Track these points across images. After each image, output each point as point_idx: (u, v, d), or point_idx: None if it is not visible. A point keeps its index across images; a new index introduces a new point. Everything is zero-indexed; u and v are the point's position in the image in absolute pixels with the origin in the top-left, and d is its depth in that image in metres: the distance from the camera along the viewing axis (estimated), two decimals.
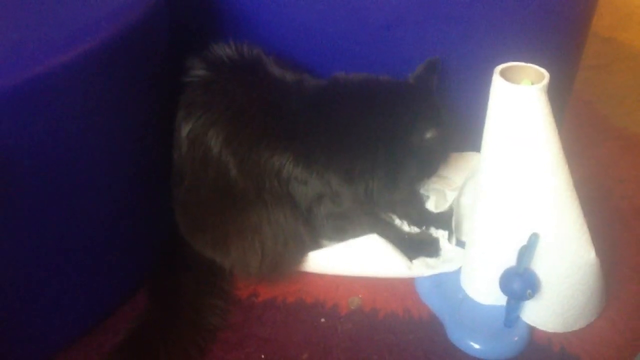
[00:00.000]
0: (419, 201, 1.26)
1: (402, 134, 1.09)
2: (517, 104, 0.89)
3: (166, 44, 1.07)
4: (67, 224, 0.93)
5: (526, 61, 0.94)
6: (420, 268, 1.15)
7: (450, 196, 1.26)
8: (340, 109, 1.11)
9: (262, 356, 1.03)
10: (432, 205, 1.26)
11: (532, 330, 1.05)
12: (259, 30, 1.19)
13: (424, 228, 1.24)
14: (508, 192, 0.97)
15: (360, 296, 1.14)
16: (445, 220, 1.23)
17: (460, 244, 1.19)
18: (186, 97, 1.09)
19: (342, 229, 1.17)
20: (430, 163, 1.15)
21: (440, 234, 1.22)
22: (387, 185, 1.13)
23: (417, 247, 1.19)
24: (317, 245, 1.17)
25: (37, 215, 0.88)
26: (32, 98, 0.80)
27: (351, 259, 1.16)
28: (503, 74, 0.92)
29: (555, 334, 1.05)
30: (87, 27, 0.88)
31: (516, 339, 1.03)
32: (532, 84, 0.91)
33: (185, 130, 1.09)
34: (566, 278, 0.99)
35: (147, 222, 1.13)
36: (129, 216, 1.06)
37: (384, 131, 1.09)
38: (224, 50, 1.12)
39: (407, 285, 1.15)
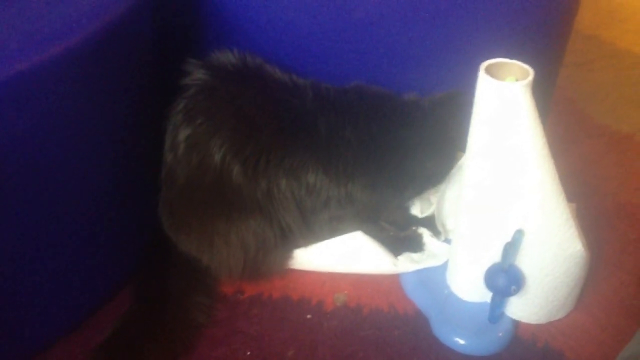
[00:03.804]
0: (405, 208, 1.27)
1: (411, 157, 1.14)
2: (503, 100, 0.90)
3: (150, 41, 1.06)
4: (52, 220, 0.93)
5: (510, 58, 0.95)
6: (405, 264, 1.15)
7: (435, 201, 1.26)
8: (366, 118, 1.12)
9: (248, 352, 1.03)
10: (418, 210, 1.26)
11: (516, 325, 1.06)
12: (243, 29, 1.18)
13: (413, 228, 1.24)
14: (493, 188, 0.97)
15: (345, 292, 1.14)
16: (431, 223, 1.24)
17: (447, 241, 1.19)
18: (187, 101, 1.08)
19: (337, 229, 1.17)
20: (432, 181, 1.21)
21: (424, 230, 1.22)
22: (397, 195, 1.19)
23: (401, 243, 1.20)
24: (307, 245, 1.17)
25: (21, 213, 0.87)
26: (15, 95, 0.79)
27: (336, 255, 1.16)
28: (488, 70, 0.93)
29: (539, 329, 1.06)
30: (70, 23, 0.87)
31: (501, 334, 1.04)
32: (517, 80, 0.91)
33: (183, 134, 1.07)
34: (551, 271, 1.00)
35: (133, 219, 1.12)
36: (115, 213, 1.05)
37: (399, 149, 1.13)
38: (228, 57, 1.11)
39: (392, 282, 1.16)
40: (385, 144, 1.12)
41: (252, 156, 1.07)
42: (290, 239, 1.14)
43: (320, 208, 1.13)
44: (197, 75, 1.09)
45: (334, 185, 1.11)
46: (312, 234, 1.16)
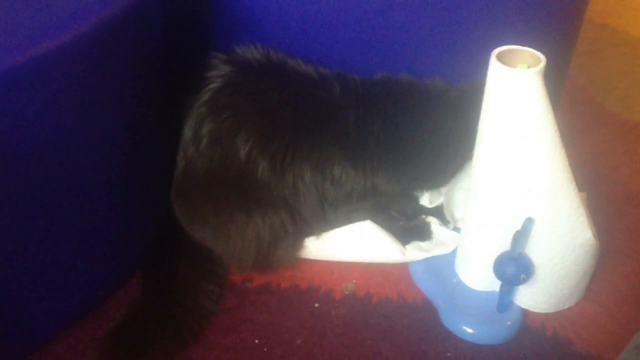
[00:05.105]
0: (414, 198, 1.27)
1: (438, 148, 1.15)
2: (514, 88, 0.89)
3: (159, 30, 1.06)
4: (61, 209, 0.93)
5: (521, 46, 0.94)
6: (414, 252, 1.15)
7: (444, 191, 1.26)
8: (394, 111, 1.12)
9: (256, 341, 1.03)
10: (427, 201, 1.26)
11: (525, 314, 1.06)
12: (253, 19, 1.17)
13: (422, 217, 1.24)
14: (504, 176, 0.97)
15: (354, 281, 1.14)
16: (439, 212, 1.24)
17: (455, 229, 1.19)
18: (211, 94, 1.08)
19: (350, 219, 1.17)
20: (456, 171, 1.20)
21: (432, 218, 1.22)
22: (422, 186, 1.22)
23: (409, 231, 1.19)
24: (318, 234, 1.17)
25: (30, 202, 0.87)
26: (23, 83, 0.79)
27: (345, 244, 1.16)
28: (500, 57, 0.92)
29: (548, 318, 1.06)
30: (79, 11, 0.87)
31: (509, 323, 1.04)
32: (529, 67, 0.90)
33: (207, 127, 1.07)
34: (561, 260, 0.99)
35: (142, 207, 1.12)
36: (124, 201, 1.06)
37: (427, 141, 1.14)
38: (251, 52, 1.12)
39: (400, 270, 1.16)
40: (412, 136, 1.12)
41: (278, 152, 1.07)
42: (304, 230, 1.14)
43: (342, 200, 1.14)
44: (222, 69, 1.09)
45: (360, 178, 1.12)
46: (325, 223, 1.16)
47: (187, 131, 1.10)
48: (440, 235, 1.18)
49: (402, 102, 1.13)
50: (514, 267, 0.99)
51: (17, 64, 0.78)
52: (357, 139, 1.10)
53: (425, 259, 1.14)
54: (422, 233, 1.19)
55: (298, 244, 1.16)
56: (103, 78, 0.91)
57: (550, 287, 1.03)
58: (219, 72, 1.09)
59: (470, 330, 1.03)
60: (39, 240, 0.92)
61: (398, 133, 1.12)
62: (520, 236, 0.97)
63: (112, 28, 0.89)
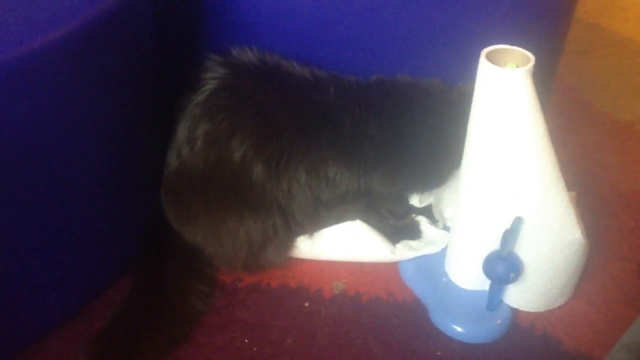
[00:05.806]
0: (405, 198, 1.27)
1: (436, 150, 1.14)
2: (503, 87, 0.89)
3: (150, 27, 1.06)
4: (51, 207, 0.92)
5: (511, 45, 0.94)
6: (404, 251, 1.15)
7: (434, 191, 1.26)
8: (390, 113, 1.12)
9: (246, 340, 1.03)
10: (416, 200, 1.26)
11: (515, 313, 1.06)
12: (249, 21, 1.17)
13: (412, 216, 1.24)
14: (493, 175, 0.97)
15: (344, 280, 1.14)
16: (429, 212, 1.24)
17: (445, 228, 1.19)
18: (207, 96, 1.08)
19: (341, 219, 1.17)
20: (453, 172, 1.19)
21: (422, 217, 1.22)
22: (417, 187, 1.21)
23: (399, 230, 1.20)
24: (309, 234, 1.17)
25: (20, 200, 0.87)
26: (14, 80, 0.78)
27: (335, 243, 1.16)
28: (489, 57, 0.92)
29: (537, 317, 1.06)
30: (69, 8, 0.86)
31: (499, 322, 1.04)
32: (518, 67, 0.90)
33: (202, 129, 1.07)
34: (550, 259, 0.99)
35: (133, 206, 1.12)
36: (114, 199, 1.05)
37: (424, 142, 1.13)
38: (247, 55, 1.11)
39: (390, 270, 1.16)
40: (408, 137, 1.12)
41: (274, 155, 1.07)
42: (296, 231, 1.14)
43: (336, 201, 1.14)
44: (217, 71, 1.09)
45: (354, 179, 1.12)
46: (317, 224, 1.16)
47: (181, 132, 1.09)
48: (430, 235, 1.19)
49: (398, 103, 1.13)
50: (503, 266, 0.99)
51: (4, 61, 0.77)
52: (352, 141, 1.10)
53: (415, 258, 1.15)
54: (411, 232, 1.20)
55: (289, 245, 1.16)
56: (92, 76, 0.90)
57: (539, 286, 1.03)
58: (214, 74, 1.09)
59: (459, 329, 1.03)
60: (30, 238, 0.91)
61: (393, 134, 1.12)
62: (510, 235, 0.97)
63: (101, 26, 0.89)
